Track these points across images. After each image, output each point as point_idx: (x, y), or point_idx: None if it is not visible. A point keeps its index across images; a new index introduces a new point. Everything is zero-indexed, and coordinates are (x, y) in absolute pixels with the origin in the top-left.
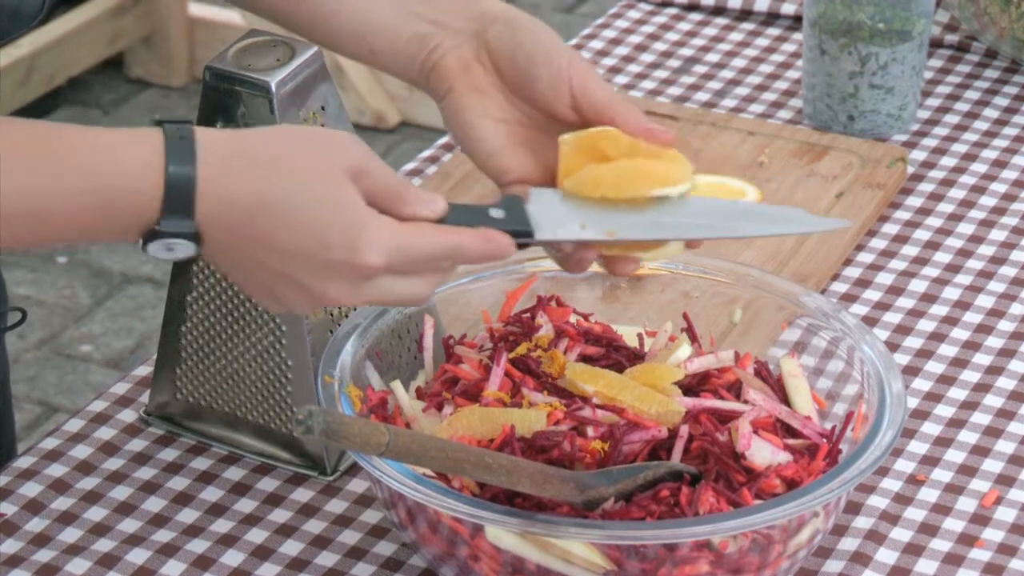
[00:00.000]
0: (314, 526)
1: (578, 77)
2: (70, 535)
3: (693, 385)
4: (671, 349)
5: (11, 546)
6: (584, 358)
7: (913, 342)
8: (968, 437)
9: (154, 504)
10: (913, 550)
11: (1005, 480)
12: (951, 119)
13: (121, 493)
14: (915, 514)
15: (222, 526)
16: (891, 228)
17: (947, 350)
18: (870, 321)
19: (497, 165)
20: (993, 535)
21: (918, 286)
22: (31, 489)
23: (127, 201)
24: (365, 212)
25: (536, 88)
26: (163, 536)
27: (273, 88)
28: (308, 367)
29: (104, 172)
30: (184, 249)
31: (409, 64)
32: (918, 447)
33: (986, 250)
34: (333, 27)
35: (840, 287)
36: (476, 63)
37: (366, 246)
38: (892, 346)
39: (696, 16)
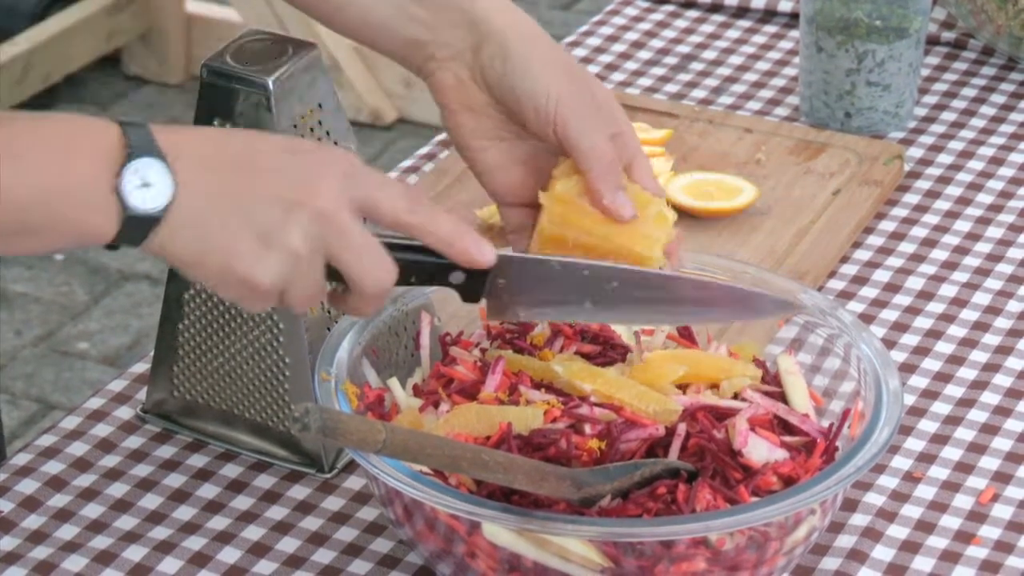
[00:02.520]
0: (311, 523)
1: (561, 124)
2: (67, 532)
3: (690, 383)
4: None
5: (8, 543)
6: (580, 356)
7: (910, 339)
8: (965, 434)
9: (151, 501)
10: (910, 547)
11: (1002, 477)
12: (948, 116)
13: (118, 490)
14: (912, 511)
15: (219, 523)
16: (888, 225)
17: (944, 347)
18: (867, 318)
19: (490, 184)
20: (990, 532)
21: (915, 283)
22: (28, 486)
23: (90, 136)
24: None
25: (525, 123)
26: (160, 533)
27: (270, 86)
28: (305, 364)
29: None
30: (158, 177)
31: (408, 65)
32: (915, 444)
33: (983, 247)
34: (341, 21)
35: (837, 284)
36: (471, 81)
37: (331, 147)
38: (889, 343)
39: (693, 13)
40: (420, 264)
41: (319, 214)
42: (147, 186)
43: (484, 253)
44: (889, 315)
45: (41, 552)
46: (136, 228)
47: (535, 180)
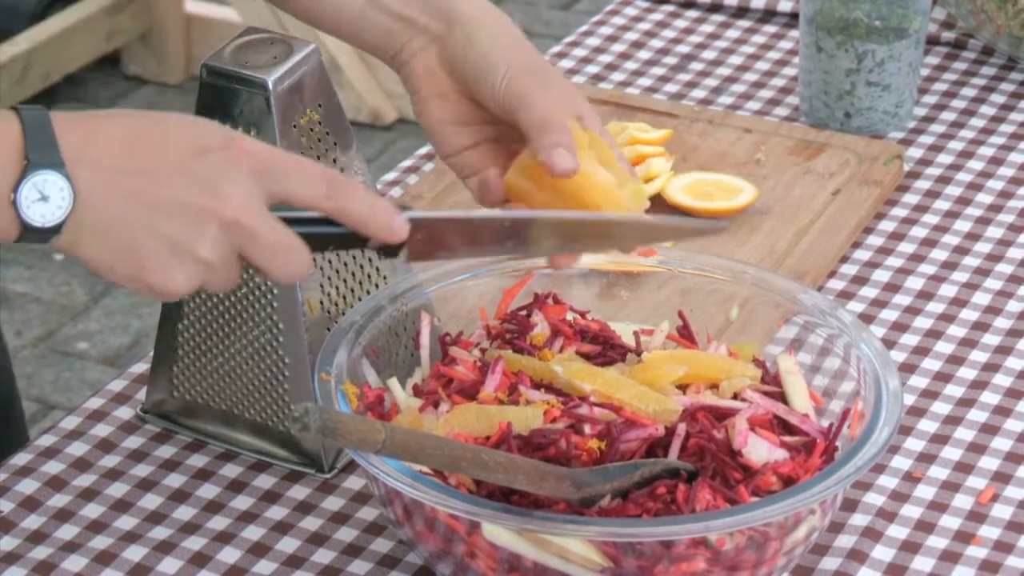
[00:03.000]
0: (311, 523)
1: (513, 101)
2: (67, 532)
3: (690, 383)
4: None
5: (8, 543)
6: (580, 356)
7: (910, 339)
8: (964, 434)
9: (151, 501)
10: (910, 547)
11: (1001, 477)
12: (948, 116)
13: (118, 490)
14: (911, 511)
15: (219, 523)
16: (888, 225)
17: (944, 347)
18: (867, 318)
19: (456, 163)
20: (989, 532)
21: (914, 283)
22: (28, 486)
23: None
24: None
25: (482, 101)
26: (160, 533)
27: (270, 86)
28: (305, 364)
29: None
30: (56, 190)
31: (383, 56)
32: (914, 444)
33: (983, 247)
34: (315, 15)
35: (837, 284)
36: (439, 68)
37: (242, 139)
38: (889, 343)
39: (693, 13)
40: (338, 235)
41: (228, 223)
42: (45, 200)
43: (396, 231)
44: (889, 315)
45: (41, 552)
46: (37, 236)
47: (498, 159)
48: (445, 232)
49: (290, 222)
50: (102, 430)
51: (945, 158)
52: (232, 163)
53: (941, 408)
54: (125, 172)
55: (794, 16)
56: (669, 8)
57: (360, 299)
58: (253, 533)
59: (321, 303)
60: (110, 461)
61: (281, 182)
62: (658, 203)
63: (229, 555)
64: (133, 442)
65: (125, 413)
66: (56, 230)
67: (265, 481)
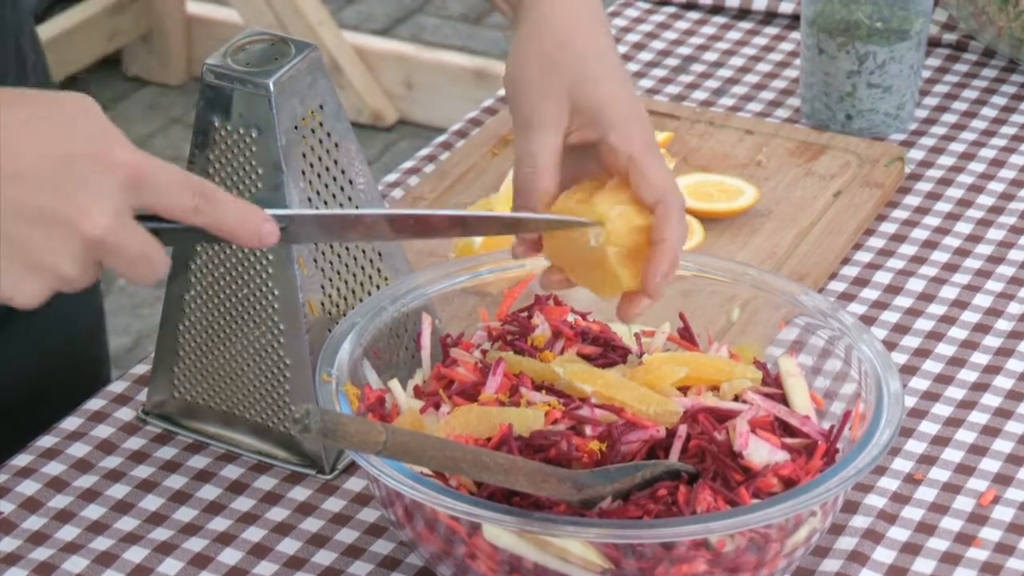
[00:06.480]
0: (311, 524)
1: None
2: (68, 533)
3: (691, 384)
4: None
5: (9, 544)
6: (581, 357)
7: (911, 341)
8: (966, 436)
9: (151, 502)
10: (911, 549)
11: (1003, 479)
12: (949, 118)
13: (119, 491)
14: (913, 513)
15: (219, 524)
16: (889, 227)
17: (945, 349)
18: (868, 320)
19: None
20: (991, 534)
21: (916, 285)
22: (29, 487)
23: None
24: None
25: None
26: (160, 534)
27: (271, 87)
28: (306, 365)
29: None
30: None
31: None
32: (916, 446)
33: (984, 249)
34: None
35: (838, 286)
36: None
37: (113, 145)
38: (890, 345)
39: (694, 15)
40: (207, 234)
41: (92, 242)
42: None
43: (264, 239)
44: (890, 317)
45: (42, 553)
46: None
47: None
48: (315, 227)
49: (161, 223)
50: (103, 431)
51: (946, 160)
52: (101, 174)
53: (942, 410)
54: None
55: (795, 18)
56: (670, 10)
57: (361, 300)
58: (254, 534)
59: (322, 304)
60: (111, 462)
61: (149, 195)
62: None
63: (230, 556)
64: (134, 443)
65: (126, 414)
66: None
67: (266, 482)
